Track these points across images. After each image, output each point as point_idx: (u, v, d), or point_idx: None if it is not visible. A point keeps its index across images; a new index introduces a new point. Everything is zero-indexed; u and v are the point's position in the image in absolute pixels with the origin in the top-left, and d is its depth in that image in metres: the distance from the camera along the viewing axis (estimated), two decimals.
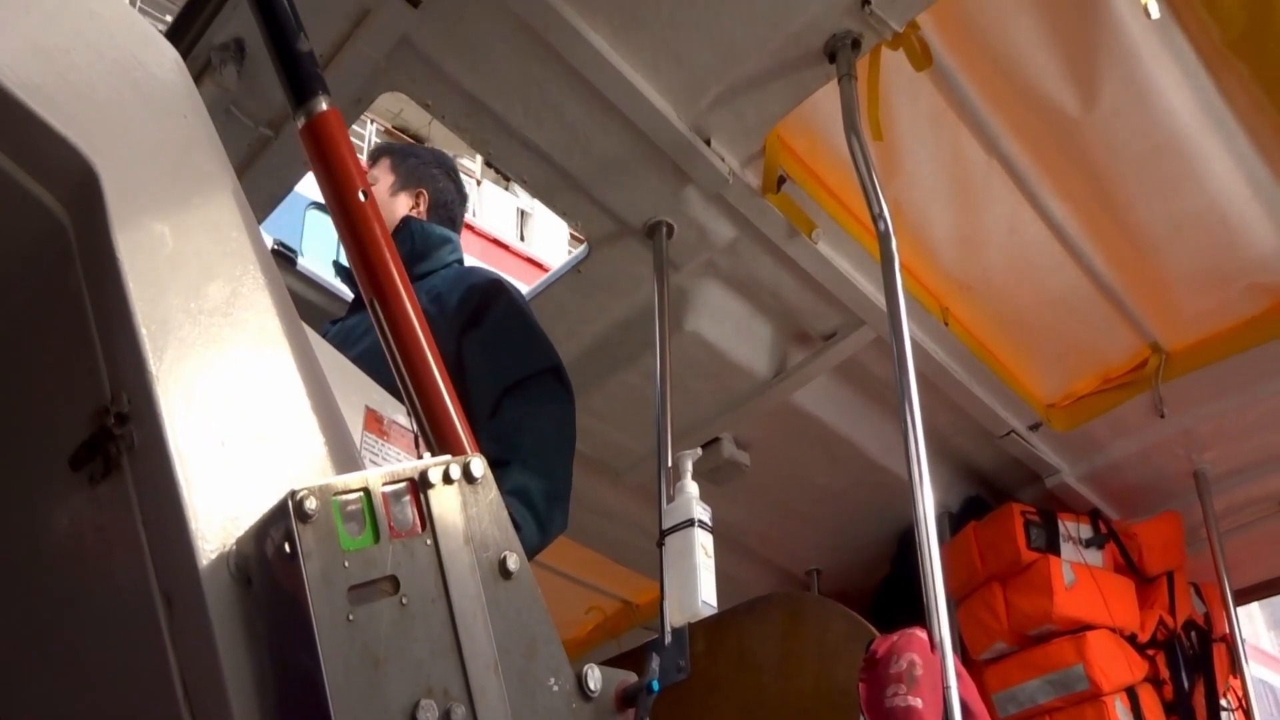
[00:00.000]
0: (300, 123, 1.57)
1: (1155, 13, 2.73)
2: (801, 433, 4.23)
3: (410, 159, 3.26)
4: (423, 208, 3.16)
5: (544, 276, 3.69)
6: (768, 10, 2.78)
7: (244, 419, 1.32)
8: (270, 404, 1.37)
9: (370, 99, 2.94)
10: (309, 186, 2.29)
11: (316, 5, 2.67)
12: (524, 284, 3.66)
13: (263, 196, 3.08)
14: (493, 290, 2.86)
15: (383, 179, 3.18)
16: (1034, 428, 4.38)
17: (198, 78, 2.79)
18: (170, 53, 1.55)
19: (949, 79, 3.12)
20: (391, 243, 1.59)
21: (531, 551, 2.42)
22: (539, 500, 2.49)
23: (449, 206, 3.23)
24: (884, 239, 2.78)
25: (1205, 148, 3.30)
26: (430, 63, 2.85)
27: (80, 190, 1.40)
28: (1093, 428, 4.38)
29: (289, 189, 3.15)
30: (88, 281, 1.43)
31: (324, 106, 1.57)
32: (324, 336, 2.57)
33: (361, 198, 1.57)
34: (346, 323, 3.01)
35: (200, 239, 1.47)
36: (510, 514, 1.35)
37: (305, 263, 3.69)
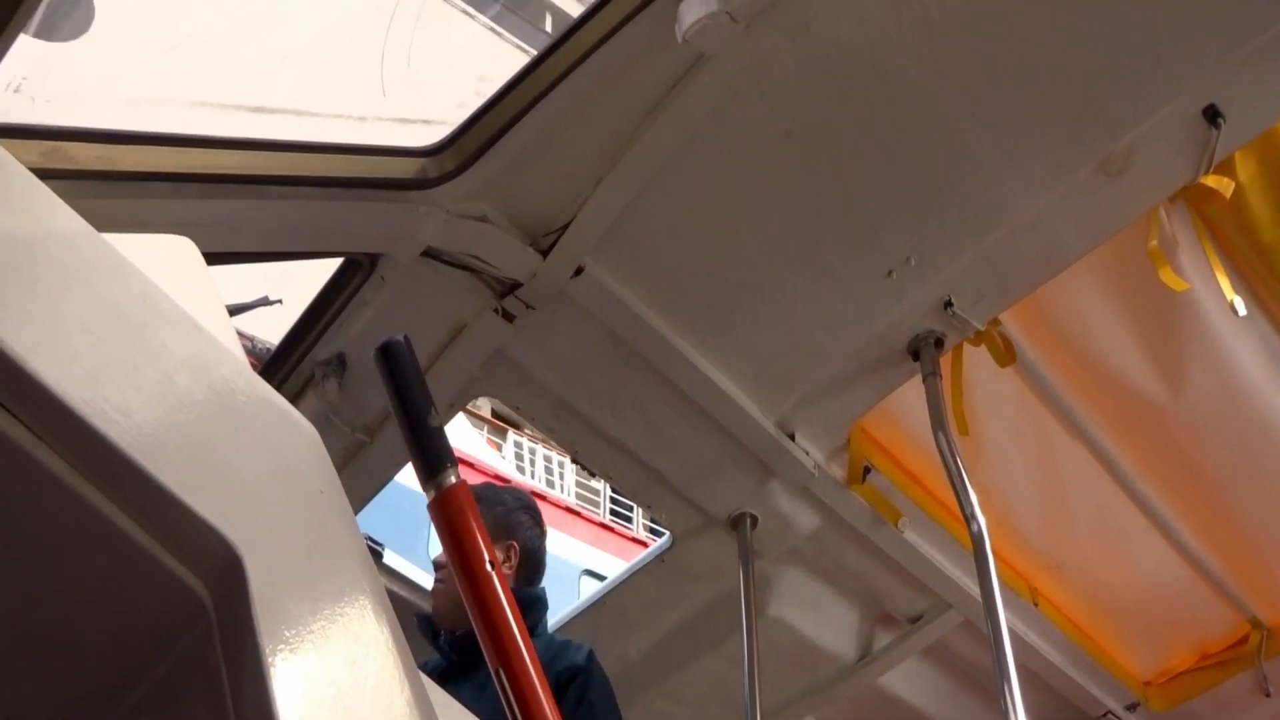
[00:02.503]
0: (430, 495, 1.59)
1: (1242, 310, 2.77)
2: (889, 717, 4.06)
3: (498, 507, 3.28)
4: (514, 561, 3.18)
5: (626, 566, 3.66)
6: (851, 313, 2.84)
7: None
8: None
9: (463, 404, 3.01)
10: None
11: (415, 318, 2.77)
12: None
13: (355, 498, 3.11)
14: (588, 671, 2.97)
15: None
16: (1131, 708, 4.19)
17: (302, 390, 2.89)
18: (307, 429, 1.59)
19: (1032, 370, 3.15)
20: (518, 612, 1.57)
21: None
22: None
23: (536, 554, 3.27)
24: (978, 539, 2.75)
25: None
26: (522, 370, 2.92)
27: (224, 572, 1.41)
28: (1193, 707, 4.18)
29: (380, 489, 3.18)
30: (226, 658, 1.42)
31: (453, 480, 1.58)
32: None
33: (489, 569, 1.56)
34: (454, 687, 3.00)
35: (335, 611, 1.47)
36: None
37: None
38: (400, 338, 1.63)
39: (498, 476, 15.11)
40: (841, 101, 2.46)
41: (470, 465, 14.81)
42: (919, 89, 2.42)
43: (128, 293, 1.41)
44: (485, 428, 17.66)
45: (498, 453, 17.58)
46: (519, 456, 18.23)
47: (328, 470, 1.59)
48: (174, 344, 1.44)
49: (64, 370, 1.27)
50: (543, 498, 16.09)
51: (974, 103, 2.45)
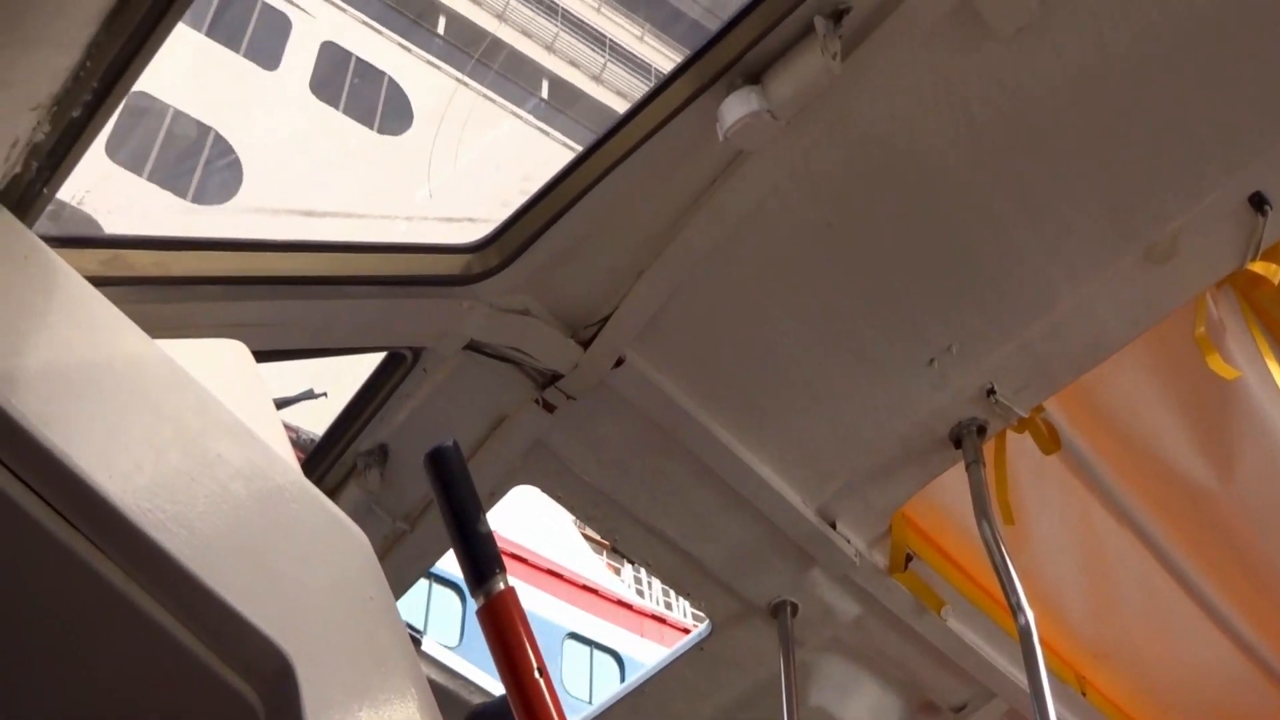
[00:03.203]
0: (479, 602, 1.59)
1: None
2: None
3: None
4: None
5: (665, 654, 3.62)
6: (892, 401, 2.83)
7: None
8: None
9: (503, 492, 3.01)
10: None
11: (457, 410, 2.79)
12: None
13: (395, 585, 3.10)
14: None
15: None
16: None
17: (344, 480, 2.91)
18: (358, 536, 1.60)
19: (1078, 455, 3.12)
20: (564, 718, 1.56)
21: None
22: None
23: None
24: (1024, 631, 2.70)
25: None
26: (562, 460, 2.92)
27: (276, 681, 1.42)
28: None
29: (420, 576, 3.19)
30: None
31: (501, 586, 1.59)
32: None
33: (536, 676, 1.56)
34: None
35: (383, 716, 1.47)
36: None
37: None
38: (450, 443, 1.65)
39: (620, 601, 15.29)
40: (882, 193, 2.48)
41: (594, 591, 15.03)
42: (959, 180, 2.44)
43: (186, 403, 1.43)
44: (605, 552, 17.77)
45: (617, 576, 17.75)
46: (638, 580, 18.43)
47: (376, 575, 1.60)
48: (230, 453, 1.46)
49: (126, 484, 1.29)
50: (662, 620, 16.15)
51: (1015, 193, 2.46)
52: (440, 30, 31.71)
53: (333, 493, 2.96)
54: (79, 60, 1.43)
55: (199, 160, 23.38)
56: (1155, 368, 2.95)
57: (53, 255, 1.46)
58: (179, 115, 23.15)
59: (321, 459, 2.91)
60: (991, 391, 2.78)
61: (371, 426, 2.81)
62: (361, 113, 26.83)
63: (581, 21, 35.62)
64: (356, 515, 2.91)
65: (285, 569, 1.47)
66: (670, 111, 2.28)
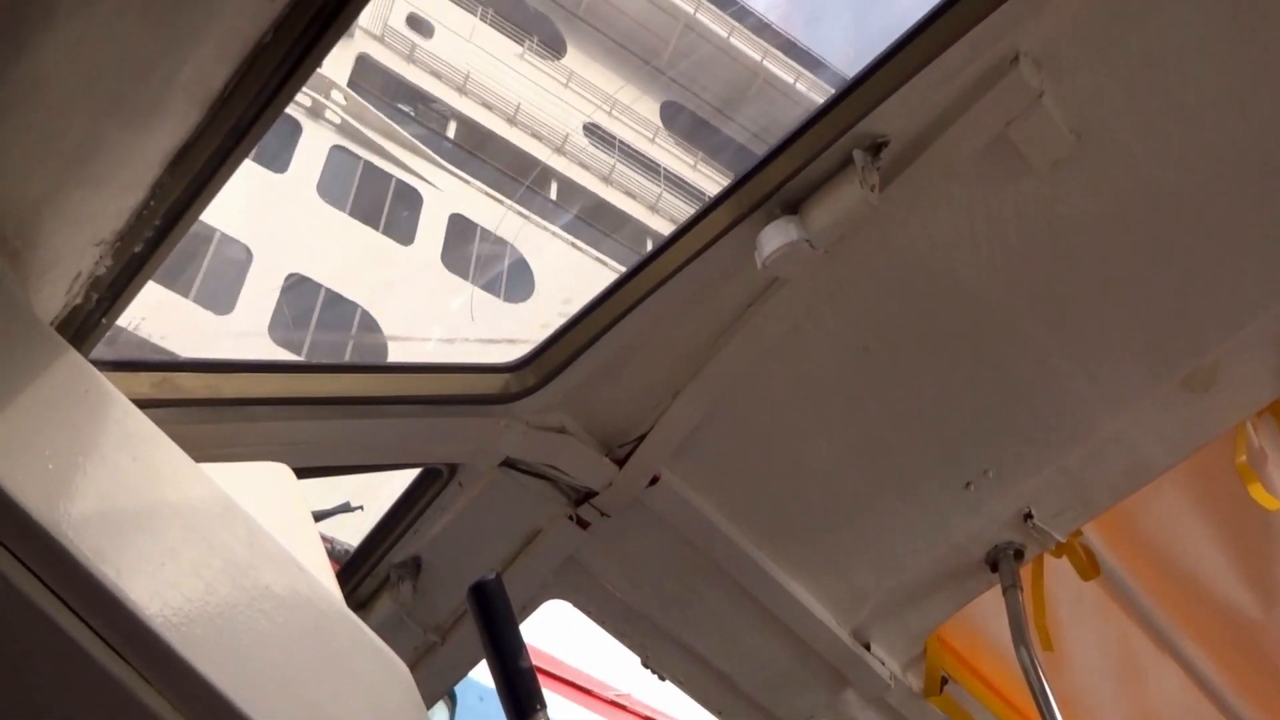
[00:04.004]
0: None
1: None
2: None
3: None
4: None
5: None
6: (927, 524, 2.81)
7: None
8: None
9: (535, 607, 2.99)
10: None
11: (491, 524, 2.80)
12: None
13: (425, 696, 3.07)
14: None
15: None
16: None
17: (377, 591, 2.90)
18: (399, 667, 1.60)
19: (1117, 581, 3.07)
20: None
21: None
22: None
23: None
24: None
25: None
26: (595, 576, 2.91)
27: None
28: None
29: (450, 688, 3.16)
30: None
31: None
32: None
33: None
34: None
35: None
36: None
37: None
38: (493, 576, 1.65)
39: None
40: (919, 319, 2.50)
41: (623, 707, 14.84)
42: (997, 307, 2.45)
43: (235, 535, 1.45)
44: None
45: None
46: None
47: (417, 706, 1.60)
48: (276, 584, 1.47)
49: (176, 616, 1.31)
50: None
51: (1053, 320, 2.47)
52: (553, 194, 32.79)
53: (366, 604, 2.96)
54: (143, 199, 1.48)
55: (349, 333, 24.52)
56: (1196, 494, 2.93)
57: (109, 386, 1.49)
58: (330, 294, 24.43)
59: (356, 570, 2.91)
60: (1029, 516, 2.76)
61: (406, 539, 2.81)
62: (490, 281, 27.96)
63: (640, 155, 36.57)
64: (388, 627, 2.94)
65: (327, 701, 1.47)
66: (710, 238, 2.32)
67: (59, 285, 1.52)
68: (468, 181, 29.59)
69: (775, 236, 2.22)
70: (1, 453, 1.26)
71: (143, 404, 1.56)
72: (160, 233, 1.53)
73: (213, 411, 1.97)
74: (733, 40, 39.44)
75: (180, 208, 1.51)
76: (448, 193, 28.83)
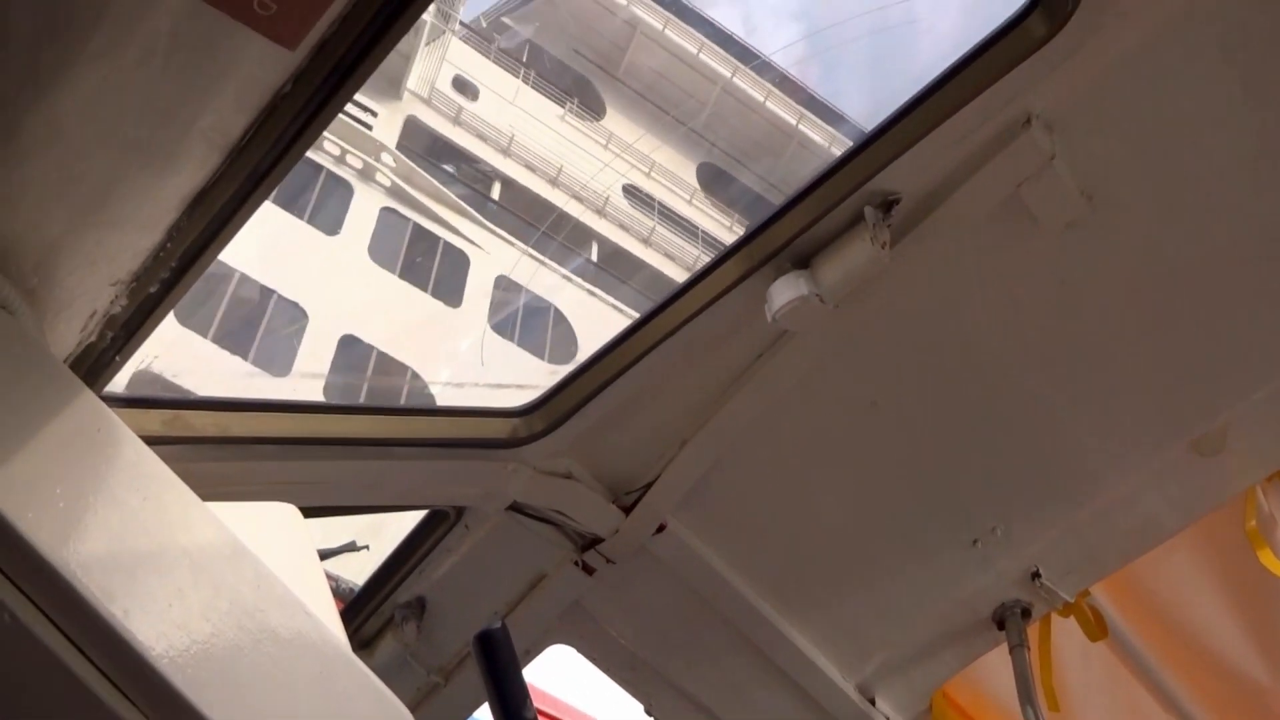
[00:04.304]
0: None
1: None
2: None
3: None
4: None
5: None
6: (934, 580, 2.80)
7: None
8: None
9: (538, 651, 2.98)
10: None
11: (497, 567, 2.80)
12: None
13: None
14: None
15: None
16: None
17: (381, 631, 2.90)
18: (405, 716, 1.59)
19: (1125, 642, 3.05)
20: None
21: None
22: None
23: None
24: None
25: None
26: (599, 623, 2.90)
27: None
28: None
29: None
30: None
31: None
32: None
33: None
34: None
35: None
36: None
37: None
38: (499, 625, 1.65)
39: None
40: (927, 375, 2.50)
41: None
42: (1006, 366, 2.46)
43: (242, 577, 1.46)
44: None
45: None
46: None
47: None
48: (281, 627, 1.48)
49: (182, 658, 1.31)
50: None
51: (1062, 380, 2.47)
52: (594, 256, 33.13)
53: (370, 643, 2.96)
54: (159, 241, 1.51)
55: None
56: (1205, 557, 2.91)
57: (120, 424, 1.51)
58: (379, 355, 24.87)
59: (360, 609, 2.91)
60: (1036, 575, 2.75)
61: (411, 580, 2.82)
62: (534, 345, 28.35)
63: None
64: (392, 667, 2.93)
65: None
66: (721, 290, 2.34)
67: (74, 323, 1.55)
68: (511, 243, 29.93)
69: (786, 290, 2.23)
70: (13, 490, 1.27)
71: (153, 441, 1.57)
72: (176, 274, 1.55)
73: (222, 450, 1.99)
74: (769, 104, 39.67)
75: (196, 250, 1.53)
76: (492, 254, 29.23)
